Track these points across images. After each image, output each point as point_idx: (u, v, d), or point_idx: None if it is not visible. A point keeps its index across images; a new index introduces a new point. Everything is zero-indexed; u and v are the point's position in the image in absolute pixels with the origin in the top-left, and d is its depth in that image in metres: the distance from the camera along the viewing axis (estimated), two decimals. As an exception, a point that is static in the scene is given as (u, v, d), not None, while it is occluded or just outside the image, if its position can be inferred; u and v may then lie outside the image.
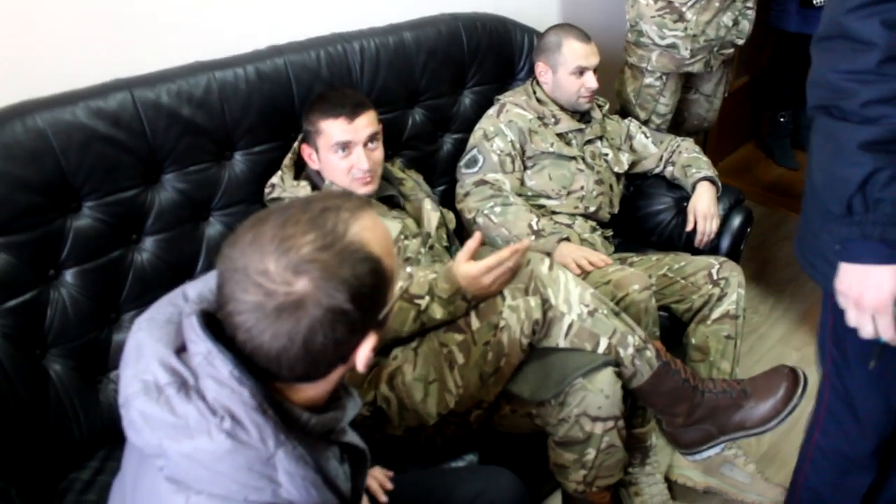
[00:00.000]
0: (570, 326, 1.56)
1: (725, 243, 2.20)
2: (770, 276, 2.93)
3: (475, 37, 2.15)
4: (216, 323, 0.90)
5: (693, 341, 1.99)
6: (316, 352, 0.86)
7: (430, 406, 1.54)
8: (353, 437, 1.06)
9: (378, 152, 1.74)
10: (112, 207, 1.60)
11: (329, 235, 0.84)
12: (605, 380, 1.54)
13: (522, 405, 1.61)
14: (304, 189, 1.71)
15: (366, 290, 0.86)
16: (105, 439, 1.62)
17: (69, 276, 1.57)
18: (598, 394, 1.53)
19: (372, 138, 1.71)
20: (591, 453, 1.57)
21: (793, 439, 1.76)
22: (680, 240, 2.24)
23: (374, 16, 2.03)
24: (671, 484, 1.99)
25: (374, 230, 0.89)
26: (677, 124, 2.63)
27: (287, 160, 1.77)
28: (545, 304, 1.55)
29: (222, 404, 0.85)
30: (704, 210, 2.13)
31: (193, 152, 1.70)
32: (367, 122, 1.69)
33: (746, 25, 2.43)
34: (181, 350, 0.91)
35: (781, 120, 3.52)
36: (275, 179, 1.75)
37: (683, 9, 2.31)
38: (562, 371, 1.54)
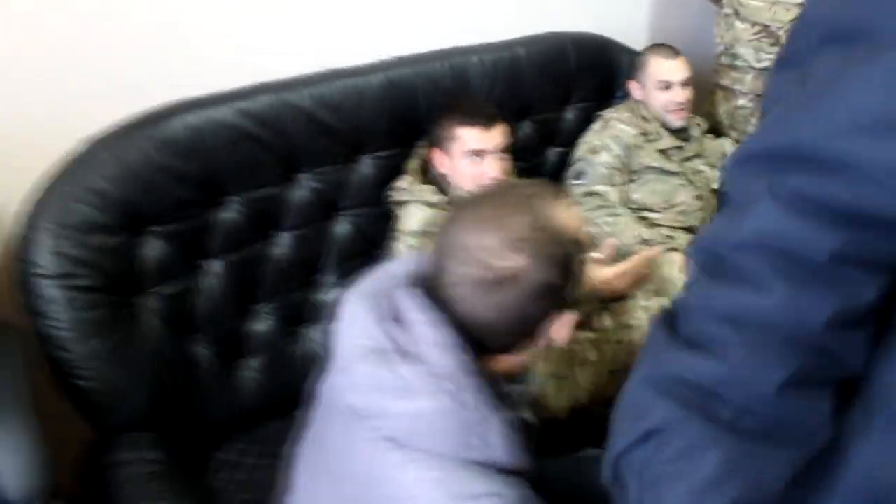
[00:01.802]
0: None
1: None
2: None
3: (581, 55, 2.24)
4: (431, 296, 0.99)
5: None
6: (524, 323, 0.95)
7: (561, 401, 1.60)
8: (526, 413, 1.14)
9: (506, 163, 1.82)
10: (254, 203, 1.70)
11: (541, 218, 0.94)
12: None
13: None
14: (431, 192, 1.79)
15: (569, 268, 0.95)
16: (243, 424, 1.71)
17: (216, 265, 1.67)
18: None
19: (503, 149, 1.80)
20: None
21: None
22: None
23: (487, 32, 2.13)
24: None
25: (572, 215, 0.98)
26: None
27: (413, 164, 1.86)
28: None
29: (445, 369, 0.92)
30: None
31: (327, 154, 1.79)
32: (500, 133, 1.79)
33: None
34: (395, 320, 1.00)
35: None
36: (401, 183, 1.84)
37: (780, 33, 2.38)
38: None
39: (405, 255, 1.11)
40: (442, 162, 1.83)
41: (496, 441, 0.93)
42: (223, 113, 1.64)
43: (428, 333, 0.95)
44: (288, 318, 1.79)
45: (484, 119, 1.78)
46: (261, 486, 1.58)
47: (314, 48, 1.87)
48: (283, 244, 1.77)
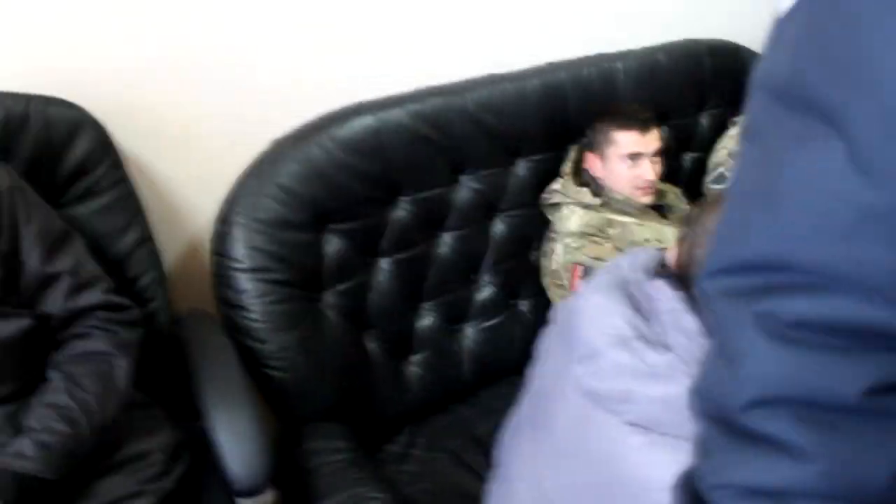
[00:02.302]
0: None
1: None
2: None
3: (716, 62, 2.25)
4: (678, 285, 1.01)
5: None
6: None
7: None
8: None
9: (659, 166, 1.85)
10: (423, 203, 1.74)
11: None
12: None
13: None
14: (586, 195, 1.82)
15: None
16: (408, 419, 1.74)
17: (385, 263, 1.71)
18: None
19: (657, 152, 1.82)
20: None
21: None
22: None
23: (630, 38, 2.16)
24: None
25: None
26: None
27: (567, 168, 1.89)
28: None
29: (692, 355, 0.94)
30: None
31: (488, 156, 1.83)
32: (655, 137, 1.82)
33: None
34: (636, 310, 1.03)
35: None
36: (556, 185, 1.87)
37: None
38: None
39: (635, 250, 1.14)
40: (596, 165, 1.86)
41: None
42: (397, 115, 1.68)
43: (676, 321, 0.97)
44: (448, 315, 1.82)
45: (641, 123, 1.81)
46: (430, 476, 1.63)
47: (475, 53, 1.92)
48: (445, 244, 1.81)
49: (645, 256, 1.10)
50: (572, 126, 1.95)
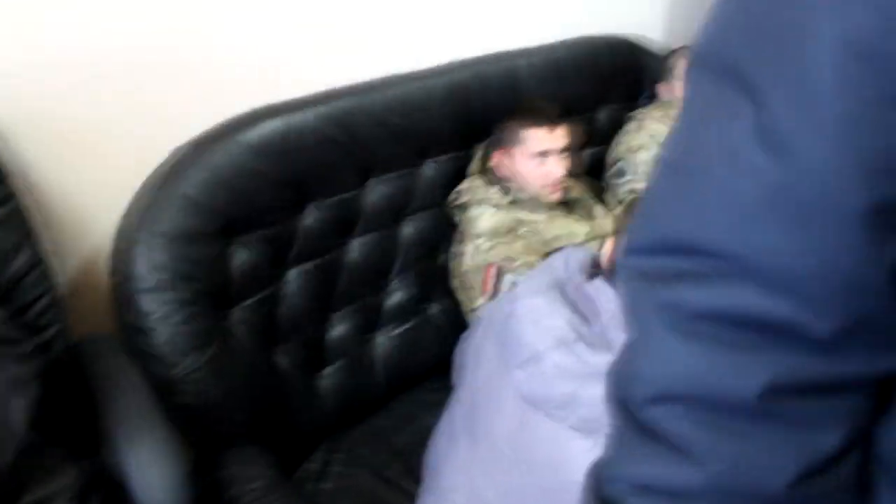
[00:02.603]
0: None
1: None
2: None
3: (612, 58, 2.29)
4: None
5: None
6: None
7: None
8: None
9: (568, 162, 1.85)
10: (332, 208, 1.67)
11: None
12: None
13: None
14: (495, 195, 1.80)
15: None
16: (325, 433, 1.68)
17: (294, 274, 1.64)
18: None
19: (565, 148, 1.82)
20: None
21: None
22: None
23: (530, 36, 2.15)
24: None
25: None
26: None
27: (475, 167, 1.87)
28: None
29: None
30: None
31: (396, 159, 1.78)
32: (563, 133, 1.81)
33: None
34: (575, 310, 1.01)
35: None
36: (464, 185, 1.85)
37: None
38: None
39: (566, 249, 1.12)
40: (504, 164, 1.84)
41: None
42: (305, 117, 1.61)
43: (616, 320, 0.97)
44: (360, 324, 1.77)
45: (549, 120, 1.81)
46: (351, 493, 1.58)
47: (382, 53, 1.85)
48: (355, 250, 1.75)
49: (578, 256, 1.09)
50: (478, 125, 1.93)
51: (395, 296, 1.83)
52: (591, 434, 0.94)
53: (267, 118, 1.57)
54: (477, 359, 1.14)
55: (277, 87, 1.64)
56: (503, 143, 1.83)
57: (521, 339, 1.00)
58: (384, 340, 1.81)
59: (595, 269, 1.07)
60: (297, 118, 1.59)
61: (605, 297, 0.98)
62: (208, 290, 1.45)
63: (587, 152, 2.30)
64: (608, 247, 1.05)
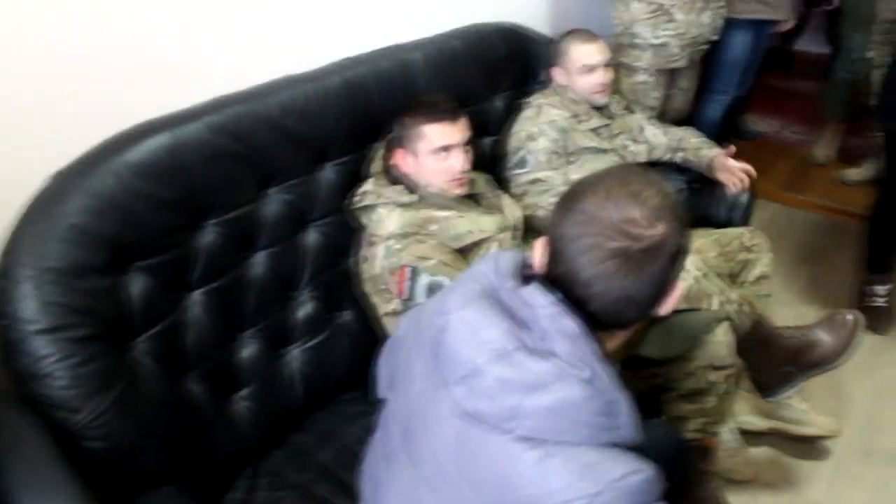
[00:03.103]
0: (688, 289, 1.70)
1: (738, 215, 2.40)
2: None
3: (505, 44, 2.26)
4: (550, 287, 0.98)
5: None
6: (661, 290, 0.98)
7: None
8: None
9: (470, 154, 1.81)
10: (232, 223, 1.59)
11: (662, 189, 0.97)
12: (723, 332, 1.70)
13: (646, 367, 1.72)
14: (402, 193, 1.75)
15: (688, 232, 0.98)
16: (246, 458, 1.61)
17: (198, 295, 1.55)
18: (720, 345, 1.68)
19: (467, 141, 1.79)
20: (711, 401, 1.71)
21: (815, 379, 2.02)
22: (695, 218, 2.41)
23: (421, 27, 2.10)
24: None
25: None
26: (657, 117, 2.84)
27: (377, 167, 1.81)
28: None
29: (578, 357, 0.92)
30: (732, 163, 2.32)
31: (296, 164, 1.71)
32: (464, 126, 1.78)
33: (720, 22, 2.69)
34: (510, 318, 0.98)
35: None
36: (367, 187, 1.79)
37: (673, 10, 2.52)
38: (688, 330, 1.68)
39: (492, 253, 1.09)
40: (407, 161, 1.79)
41: (625, 420, 0.95)
42: (195, 129, 1.52)
43: (556, 324, 0.95)
44: (271, 341, 1.69)
45: (449, 114, 1.77)
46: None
47: (269, 55, 1.77)
48: (259, 264, 1.67)
49: (507, 261, 1.06)
50: (377, 122, 1.87)
51: (305, 308, 1.77)
52: (538, 446, 0.91)
53: (151, 134, 1.46)
54: (408, 375, 1.09)
55: (160, 98, 1.53)
56: (402, 141, 1.78)
57: (458, 355, 0.96)
58: (298, 355, 1.74)
59: (528, 272, 1.04)
60: (184, 131, 1.50)
61: (542, 302, 0.95)
62: (108, 325, 1.35)
63: (486, 141, 2.27)
64: (538, 248, 1.02)
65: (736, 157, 2.38)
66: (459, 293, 1.02)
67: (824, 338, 1.87)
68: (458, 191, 1.80)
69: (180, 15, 1.58)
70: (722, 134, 3.73)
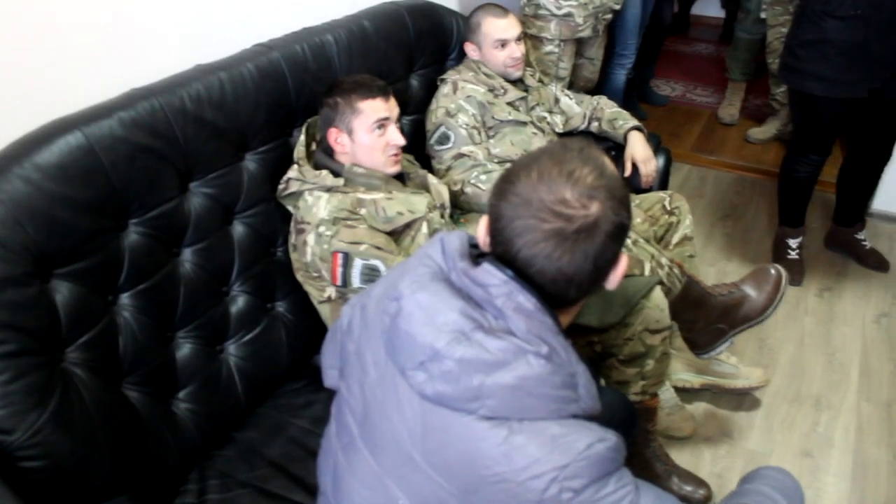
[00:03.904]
0: (622, 258, 1.73)
1: (656, 182, 2.45)
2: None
3: (417, 21, 2.24)
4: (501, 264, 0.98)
5: (663, 265, 2.22)
6: (601, 268, 0.98)
7: None
8: None
9: (401, 131, 1.80)
10: (155, 221, 1.54)
11: (599, 166, 0.98)
12: (658, 296, 1.72)
13: (584, 335, 1.74)
14: (327, 177, 1.72)
15: (629, 208, 0.99)
16: (192, 461, 1.57)
17: (126, 298, 1.49)
18: (655, 309, 1.71)
19: (399, 117, 1.78)
20: (650, 364, 1.74)
21: (743, 333, 2.09)
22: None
23: (328, 9, 2.06)
24: (671, 389, 2.21)
25: (613, 163, 1.02)
26: (567, 87, 2.87)
27: (300, 152, 1.78)
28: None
29: (535, 334, 0.93)
30: (642, 155, 2.36)
31: (217, 156, 1.66)
32: (394, 102, 1.78)
33: None
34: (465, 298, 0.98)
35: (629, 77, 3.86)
36: (292, 174, 1.75)
37: (575, -21, 2.55)
38: (623, 296, 1.70)
39: (438, 235, 1.08)
40: (340, 141, 1.77)
41: (584, 391, 0.96)
42: (108, 126, 1.45)
43: (511, 302, 0.95)
44: (207, 338, 1.65)
45: (381, 90, 1.77)
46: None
47: (178, 44, 1.71)
48: (187, 261, 1.62)
49: (454, 241, 1.05)
50: (295, 107, 1.84)
51: (239, 300, 1.73)
52: (502, 424, 0.91)
53: (61, 133, 1.39)
54: (361, 364, 1.08)
55: (65, 95, 1.46)
56: (335, 121, 1.75)
57: (415, 340, 0.95)
58: (234, 350, 1.70)
59: (476, 251, 1.03)
60: (96, 128, 1.43)
61: (495, 281, 0.95)
62: (34, 337, 1.29)
63: (406, 120, 2.26)
64: (482, 227, 1.01)
65: (648, 123, 2.44)
66: (410, 278, 1.01)
67: (751, 293, 1.93)
68: (394, 168, 1.80)
69: (84, 8, 1.50)
70: (629, 99, 3.84)
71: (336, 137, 1.76)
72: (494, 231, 0.98)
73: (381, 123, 1.74)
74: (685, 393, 2.26)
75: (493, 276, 0.96)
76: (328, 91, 1.77)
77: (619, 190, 0.97)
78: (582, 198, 0.93)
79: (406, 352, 0.97)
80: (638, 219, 2.02)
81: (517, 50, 2.26)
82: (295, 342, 1.81)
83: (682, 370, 2.25)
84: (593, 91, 2.96)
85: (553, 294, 0.97)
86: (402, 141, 1.76)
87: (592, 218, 0.93)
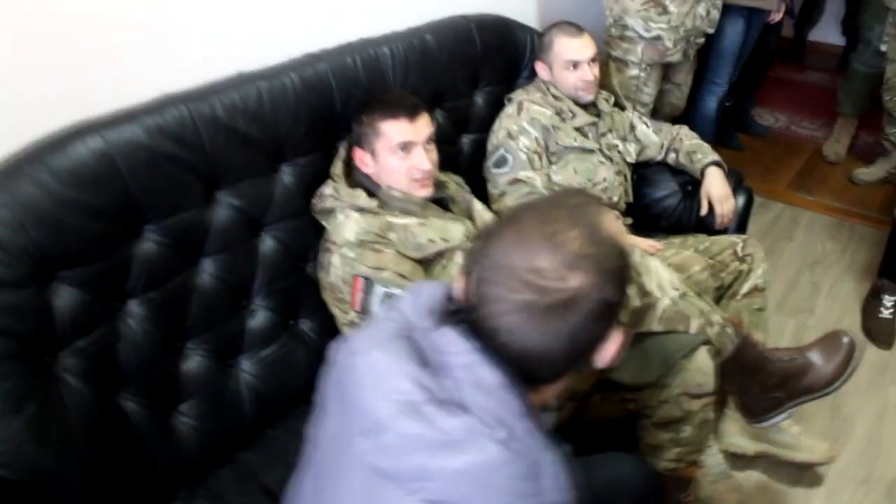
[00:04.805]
0: (664, 311, 1.59)
1: (734, 222, 2.28)
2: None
3: (486, 37, 2.15)
4: (469, 331, 0.87)
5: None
6: (578, 348, 0.85)
7: None
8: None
9: (434, 154, 1.71)
10: (173, 230, 1.50)
11: (591, 230, 0.84)
12: (702, 358, 1.57)
13: (616, 392, 1.61)
14: (361, 197, 1.65)
15: (624, 282, 0.87)
16: (185, 478, 1.53)
17: (135, 306, 1.46)
18: (697, 372, 1.56)
19: (429, 139, 1.68)
20: (687, 430, 1.59)
21: (825, 399, 1.89)
22: (689, 222, 2.30)
23: (393, 20, 1.99)
24: (722, 453, 2.03)
25: (616, 225, 0.89)
26: (652, 115, 2.71)
27: (338, 168, 1.71)
28: (641, 291, 1.57)
29: (492, 414, 0.82)
30: (719, 193, 2.19)
31: (248, 167, 1.62)
32: (425, 123, 1.67)
33: (716, 15, 2.55)
34: (423, 364, 0.88)
35: (727, 105, 3.62)
36: (327, 189, 1.69)
37: (666, 1, 2.39)
38: (661, 354, 1.56)
39: (411, 286, 0.99)
40: (365, 162, 1.69)
41: (549, 484, 0.84)
42: (132, 132, 1.43)
43: (472, 376, 0.84)
44: (219, 351, 1.61)
45: (408, 110, 1.65)
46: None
47: (219, 51, 1.67)
48: (206, 271, 1.58)
49: (428, 294, 0.95)
50: (340, 121, 1.78)
51: (259, 316, 1.68)
52: None
53: (84, 137, 1.37)
54: (323, 410, 1.00)
55: (95, 98, 1.44)
56: (361, 140, 1.68)
57: (362, 404, 0.86)
58: (249, 366, 1.65)
59: (453, 307, 0.93)
60: (118, 134, 1.41)
61: (456, 349, 0.85)
62: (21, 342, 1.26)
63: (466, 139, 2.17)
64: (459, 282, 0.90)
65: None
66: (371, 332, 0.92)
67: (818, 362, 1.74)
68: (423, 193, 1.70)
69: (118, 9, 1.47)
70: (725, 128, 3.62)
71: (361, 157, 1.68)
72: (468, 290, 0.87)
73: (405, 146, 1.64)
74: (737, 459, 2.07)
75: (453, 344, 0.85)
76: (359, 107, 1.69)
77: (613, 261, 0.84)
78: (561, 268, 0.80)
79: (354, 415, 0.88)
80: (697, 266, 1.85)
81: (590, 72, 2.13)
82: (315, 363, 1.72)
83: (736, 434, 2.06)
84: (680, 119, 2.78)
85: (522, 371, 0.86)
86: (427, 166, 1.65)
87: (570, 293, 0.80)
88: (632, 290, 1.56)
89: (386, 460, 0.83)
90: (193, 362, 1.57)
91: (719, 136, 3.51)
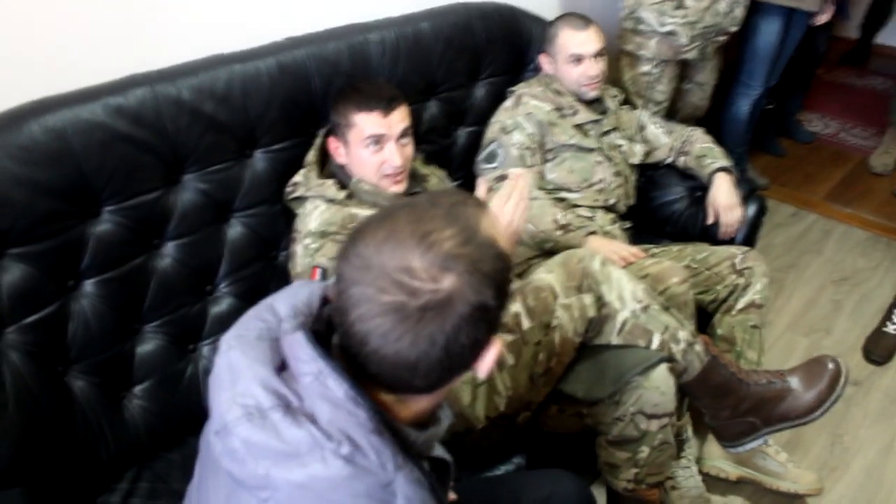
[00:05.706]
0: (623, 323, 1.52)
1: (741, 233, 2.18)
2: (769, 264, 2.93)
3: (489, 26, 2.09)
4: (322, 338, 0.83)
5: (719, 332, 1.96)
6: (455, 355, 0.80)
7: (478, 409, 1.48)
8: (439, 451, 1.00)
9: (409, 148, 1.66)
10: (133, 211, 1.50)
11: (467, 230, 0.79)
12: (661, 376, 1.50)
13: (572, 405, 1.56)
14: (330, 188, 1.62)
15: (503, 286, 0.81)
16: (132, 459, 1.54)
17: (90, 286, 1.47)
18: (655, 391, 1.49)
19: (404, 133, 1.64)
20: (644, 451, 1.53)
21: (816, 425, 1.77)
22: (695, 229, 2.21)
23: (388, 6, 1.95)
24: (703, 476, 1.95)
25: (497, 226, 0.84)
26: (671, 114, 2.60)
27: (311, 157, 1.69)
28: (599, 301, 1.51)
29: (338, 427, 0.78)
30: (725, 202, 2.09)
31: (215, 151, 1.60)
32: (401, 117, 1.62)
33: (740, 12, 2.42)
34: (280, 369, 0.84)
35: (769, 107, 3.47)
36: (298, 178, 1.67)
37: (683, -5, 2.29)
38: (617, 369, 1.50)
39: (292, 285, 0.95)
40: (339, 151, 1.66)
41: None
42: (91, 111, 1.42)
43: (319, 386, 0.80)
44: (178, 336, 1.60)
45: (382, 102, 1.60)
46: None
47: (192, 33, 1.65)
48: (168, 255, 1.58)
49: (304, 292, 0.92)
50: (320, 108, 1.75)
51: (223, 303, 1.67)
52: None
53: (40, 114, 1.38)
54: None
55: (56, 76, 1.44)
56: (335, 129, 1.65)
57: (218, 406, 0.83)
58: (207, 352, 1.64)
59: (322, 311, 0.89)
60: (77, 112, 1.41)
61: (303, 356, 0.81)
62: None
63: (462, 132, 2.12)
64: (333, 284, 0.86)
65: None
66: (239, 330, 0.89)
67: (797, 388, 1.63)
68: (395, 189, 1.66)
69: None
70: (765, 132, 3.46)
71: (335, 147, 1.65)
72: (336, 293, 0.83)
73: (377, 139, 1.60)
74: (719, 483, 1.99)
75: (301, 350, 0.82)
76: (335, 94, 1.66)
77: (490, 263, 0.78)
78: (433, 268, 0.76)
79: (212, 415, 0.85)
80: (676, 278, 1.76)
81: (594, 67, 2.05)
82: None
83: (719, 457, 1.98)
84: (706, 120, 2.67)
85: (393, 381, 0.82)
86: (398, 162, 1.61)
87: (443, 294, 0.76)
88: (588, 299, 1.50)
89: (234, 465, 0.81)
90: (151, 345, 1.57)
91: (758, 140, 3.39)
